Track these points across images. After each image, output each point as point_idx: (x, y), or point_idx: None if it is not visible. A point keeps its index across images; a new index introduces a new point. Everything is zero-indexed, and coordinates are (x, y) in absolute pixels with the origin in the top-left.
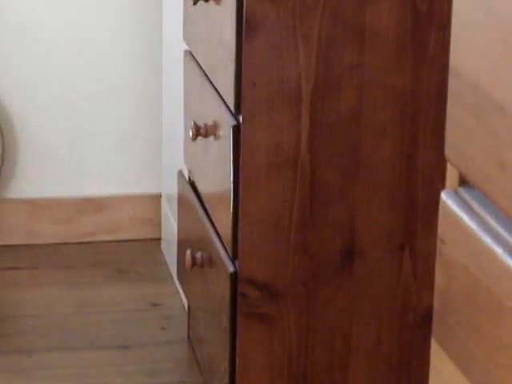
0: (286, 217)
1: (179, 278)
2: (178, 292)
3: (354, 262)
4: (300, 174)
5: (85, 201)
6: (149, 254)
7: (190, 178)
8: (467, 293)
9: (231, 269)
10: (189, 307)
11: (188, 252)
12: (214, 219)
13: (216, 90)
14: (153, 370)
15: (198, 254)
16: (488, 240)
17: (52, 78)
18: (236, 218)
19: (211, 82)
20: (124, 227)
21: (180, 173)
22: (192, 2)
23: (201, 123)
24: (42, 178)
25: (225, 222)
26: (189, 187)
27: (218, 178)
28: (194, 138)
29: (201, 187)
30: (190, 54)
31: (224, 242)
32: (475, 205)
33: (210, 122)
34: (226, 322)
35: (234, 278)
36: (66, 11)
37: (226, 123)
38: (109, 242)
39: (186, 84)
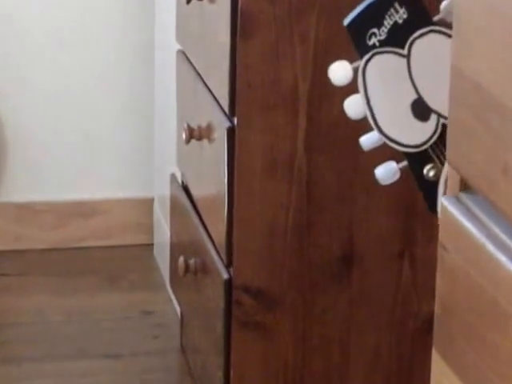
0: (282, 222)
1: (172, 285)
2: (170, 299)
3: (352, 268)
4: (296, 178)
5: (75, 205)
6: (141, 260)
7: (183, 182)
8: (470, 301)
9: (225, 276)
10: (182, 315)
11: (181, 258)
12: (207, 224)
13: (210, 91)
14: (145, 380)
15: (192, 261)
16: (491, 247)
17: (43, 82)
18: (230, 223)
19: (205, 83)
20: (115, 232)
21: (173, 176)
22: (185, 1)
23: (194, 125)
24: (30, 181)
25: (219, 227)
26: (182, 191)
27: (212, 182)
28: (188, 140)
29: (194, 191)
30: (183, 54)
31: (218, 247)
32: (478, 210)
33: (203, 124)
34: (220, 330)
35: (229, 285)
36: (58, 13)
37: (221, 125)
38: (100, 247)
39: (179, 85)
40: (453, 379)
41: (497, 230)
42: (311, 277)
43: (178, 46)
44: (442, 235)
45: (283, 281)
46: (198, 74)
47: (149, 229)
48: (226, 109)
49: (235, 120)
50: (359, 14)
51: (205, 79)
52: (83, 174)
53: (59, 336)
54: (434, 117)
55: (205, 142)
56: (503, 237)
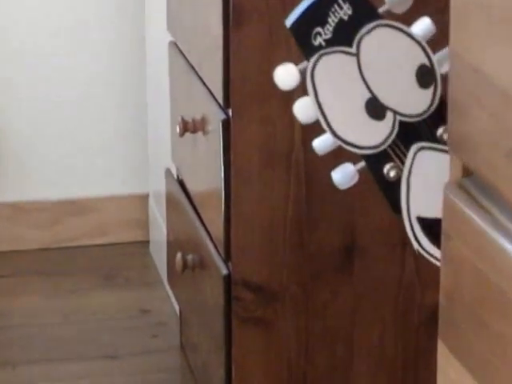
0: (281, 214)
1: (170, 282)
2: (168, 297)
3: (353, 260)
4: (294, 169)
5: (68, 203)
6: (137, 258)
7: (178, 177)
8: (475, 290)
9: (224, 271)
10: (181, 313)
11: (178, 255)
12: (204, 219)
13: (203, 82)
14: (144, 380)
15: (189, 257)
16: (496, 234)
17: (33, 78)
18: (228, 218)
19: (198, 75)
20: (110, 230)
21: (168, 171)
22: None
23: (188, 118)
24: (23, 180)
25: (216, 221)
26: (177, 186)
27: (208, 176)
28: (182, 133)
29: (190, 186)
30: (175, 46)
31: (216, 242)
32: (481, 197)
33: (198, 117)
34: (220, 327)
35: (228, 280)
36: (46, 9)
37: (215, 117)
38: (95, 246)
39: (172, 77)
40: (459, 369)
41: (501, 216)
42: (312, 270)
43: (169, 38)
44: (445, 223)
45: (284, 274)
46: (191, 66)
47: (144, 225)
48: (221, 100)
49: (230, 112)
50: (302, 14)
51: (198, 71)
52: (76, 171)
53: (55, 337)
54: (389, 115)
55: (199, 134)
56: (507, 223)
